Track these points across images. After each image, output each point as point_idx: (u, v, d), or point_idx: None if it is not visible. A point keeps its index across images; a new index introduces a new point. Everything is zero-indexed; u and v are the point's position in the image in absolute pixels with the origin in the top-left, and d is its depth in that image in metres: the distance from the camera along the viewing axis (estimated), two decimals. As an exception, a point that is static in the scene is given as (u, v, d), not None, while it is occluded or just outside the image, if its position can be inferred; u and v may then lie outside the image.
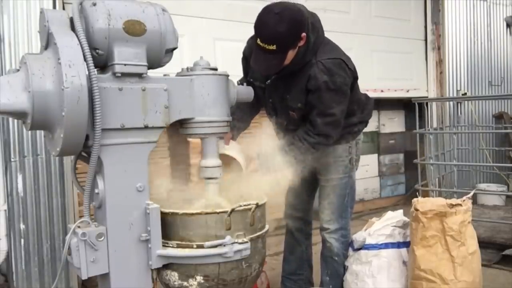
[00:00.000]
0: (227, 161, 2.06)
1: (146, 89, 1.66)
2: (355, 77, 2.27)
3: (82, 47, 1.49)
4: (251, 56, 2.12)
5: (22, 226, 2.81)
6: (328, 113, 2.14)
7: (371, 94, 5.00)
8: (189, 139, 2.01)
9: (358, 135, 2.47)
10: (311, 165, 2.24)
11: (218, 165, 1.86)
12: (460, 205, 2.13)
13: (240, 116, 2.28)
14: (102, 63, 1.64)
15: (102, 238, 1.61)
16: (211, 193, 1.88)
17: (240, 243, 1.71)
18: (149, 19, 1.65)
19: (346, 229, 2.47)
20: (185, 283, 1.74)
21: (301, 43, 2.06)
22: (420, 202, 2.18)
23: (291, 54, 2.05)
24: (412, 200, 2.26)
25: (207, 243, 1.68)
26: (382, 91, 5.02)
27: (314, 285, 2.74)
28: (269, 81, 2.25)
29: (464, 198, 2.18)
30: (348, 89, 2.20)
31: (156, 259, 1.69)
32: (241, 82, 2.32)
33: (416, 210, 2.15)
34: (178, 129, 1.87)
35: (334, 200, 2.41)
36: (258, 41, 1.99)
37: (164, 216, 1.71)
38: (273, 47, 1.97)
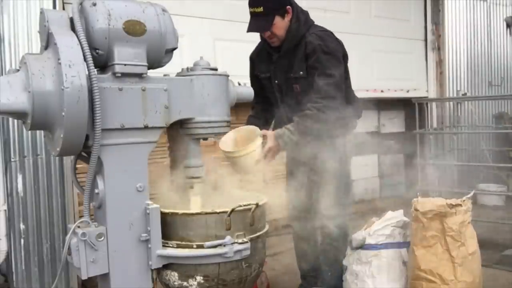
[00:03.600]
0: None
1: (146, 89, 1.66)
2: (345, 54, 2.52)
3: (82, 47, 1.50)
4: (256, 55, 2.57)
5: (22, 226, 2.81)
6: (328, 74, 2.33)
7: (371, 94, 4.99)
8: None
9: (352, 130, 2.61)
10: (310, 157, 2.39)
11: (201, 165, 1.88)
12: (460, 205, 2.13)
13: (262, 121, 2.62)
14: (102, 63, 1.64)
15: (102, 238, 1.61)
16: (195, 192, 1.88)
17: (240, 243, 1.71)
18: (149, 19, 1.65)
19: (343, 216, 2.54)
20: (185, 283, 1.74)
21: (288, 16, 2.40)
22: (420, 202, 2.18)
23: (280, 23, 2.37)
24: (412, 200, 2.26)
25: (207, 243, 1.68)
26: (382, 91, 5.02)
27: None
28: (273, 64, 2.50)
29: (464, 198, 2.18)
30: (341, 57, 2.44)
31: (156, 259, 1.69)
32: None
33: (416, 210, 2.15)
34: (178, 129, 1.87)
35: (332, 190, 2.47)
36: (249, 9, 2.35)
37: (164, 216, 1.71)
38: (260, 9, 2.32)
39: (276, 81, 2.53)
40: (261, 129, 2.43)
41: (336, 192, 2.45)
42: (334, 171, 2.45)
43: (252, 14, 2.36)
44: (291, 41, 2.42)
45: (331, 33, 2.48)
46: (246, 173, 2.23)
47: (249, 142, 2.18)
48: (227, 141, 2.24)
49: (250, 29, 2.40)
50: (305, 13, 2.51)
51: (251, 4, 2.36)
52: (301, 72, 2.41)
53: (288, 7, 2.40)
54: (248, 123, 2.59)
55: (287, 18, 2.40)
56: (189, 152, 1.88)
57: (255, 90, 2.41)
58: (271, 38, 2.44)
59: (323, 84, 2.30)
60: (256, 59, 2.65)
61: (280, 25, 2.38)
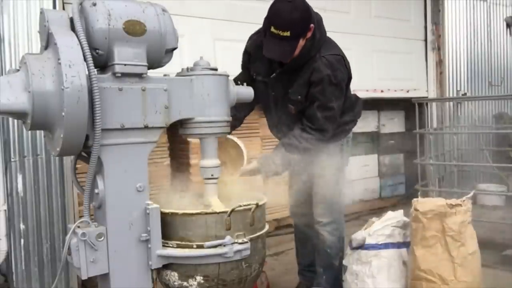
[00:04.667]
0: (232, 144, 2.19)
1: (146, 89, 1.66)
2: (350, 76, 2.38)
3: (82, 47, 1.49)
4: (255, 51, 2.30)
5: (22, 226, 2.81)
6: (328, 107, 2.23)
7: (371, 94, 4.99)
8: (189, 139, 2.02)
9: (349, 133, 2.57)
10: (306, 162, 2.31)
11: (217, 165, 1.87)
12: (460, 205, 2.13)
13: (233, 114, 2.29)
14: (102, 63, 1.64)
15: (102, 238, 1.61)
16: (210, 193, 1.88)
17: (240, 243, 1.71)
18: (149, 19, 1.65)
19: (338, 222, 2.55)
20: (185, 283, 1.74)
21: (309, 34, 2.17)
22: (420, 203, 2.18)
23: (300, 44, 2.14)
24: (412, 200, 2.26)
25: (207, 243, 1.69)
26: (382, 91, 5.02)
27: None
28: (274, 74, 2.33)
29: (464, 198, 2.18)
30: (344, 87, 2.30)
31: (156, 259, 1.69)
32: (237, 79, 2.36)
33: (416, 210, 2.15)
34: (178, 129, 1.87)
35: (327, 195, 2.47)
36: (272, 28, 2.07)
37: (164, 216, 1.72)
38: (287, 33, 2.06)
39: (273, 93, 2.38)
40: (237, 125, 2.41)
41: (332, 198, 2.46)
42: (332, 179, 2.44)
43: (275, 36, 2.08)
44: (299, 61, 2.22)
45: (342, 58, 2.29)
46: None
47: (236, 158, 2.18)
48: None
49: (273, 54, 2.16)
50: (321, 27, 2.30)
51: (277, 27, 2.06)
52: (299, 97, 2.27)
53: (312, 25, 2.16)
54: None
55: (308, 36, 2.17)
56: (205, 152, 1.87)
57: (241, 81, 2.28)
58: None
59: (320, 116, 2.22)
60: (253, 54, 2.40)
61: (300, 46, 2.16)
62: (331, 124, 2.28)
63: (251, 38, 2.45)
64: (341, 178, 2.52)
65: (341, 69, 2.25)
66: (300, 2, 2.12)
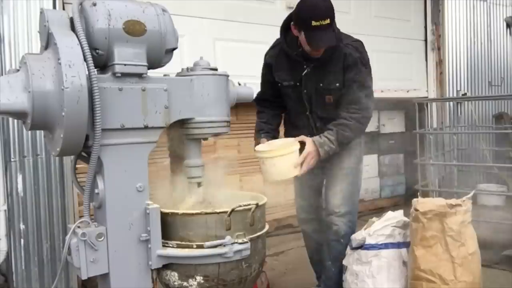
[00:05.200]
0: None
1: (146, 89, 1.66)
2: None
3: (82, 47, 1.50)
4: (276, 60, 2.49)
5: (22, 226, 2.81)
6: (366, 86, 2.42)
7: (371, 94, 4.90)
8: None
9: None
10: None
11: (201, 164, 1.87)
12: (460, 205, 2.13)
13: (267, 128, 2.57)
14: (102, 63, 1.64)
15: (102, 238, 1.61)
16: (194, 192, 1.88)
17: (240, 243, 1.71)
18: (149, 19, 1.65)
19: (353, 214, 2.57)
20: (185, 283, 1.74)
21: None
22: (420, 203, 2.18)
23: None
24: (412, 201, 2.26)
25: (207, 243, 1.69)
26: (382, 91, 5.02)
27: None
28: (306, 71, 2.43)
29: (464, 198, 2.18)
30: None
31: (156, 259, 1.69)
32: (264, 95, 2.62)
33: (416, 210, 2.15)
34: (178, 129, 1.87)
35: (345, 187, 2.53)
36: (313, 22, 2.19)
37: (164, 216, 1.71)
38: (328, 20, 2.21)
39: (306, 91, 2.47)
40: (272, 135, 2.50)
41: (350, 190, 2.53)
42: (351, 171, 2.54)
43: (318, 27, 2.20)
44: (328, 51, 2.36)
45: (362, 43, 2.49)
46: (280, 178, 2.23)
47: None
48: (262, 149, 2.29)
49: (324, 44, 2.28)
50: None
51: (318, 17, 2.19)
52: (337, 84, 2.40)
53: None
54: (259, 128, 2.57)
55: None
56: (189, 152, 1.88)
57: (267, 94, 2.58)
58: (319, 50, 2.34)
59: (362, 95, 2.38)
60: (275, 64, 2.53)
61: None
62: (371, 102, 2.44)
63: (267, 54, 2.60)
64: (359, 171, 2.62)
65: (365, 51, 2.46)
66: None
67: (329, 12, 2.22)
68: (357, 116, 2.37)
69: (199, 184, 1.89)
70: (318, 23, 2.19)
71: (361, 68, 2.39)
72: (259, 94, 2.63)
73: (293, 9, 2.36)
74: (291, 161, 2.20)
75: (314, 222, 2.74)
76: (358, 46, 2.42)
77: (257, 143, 2.45)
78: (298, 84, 2.47)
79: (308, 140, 2.30)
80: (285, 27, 2.46)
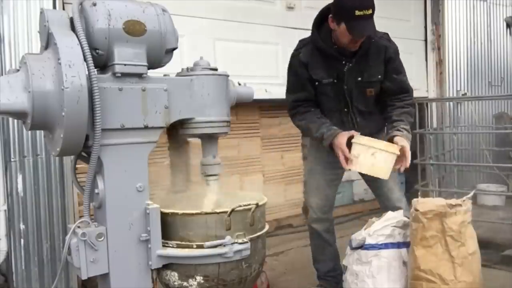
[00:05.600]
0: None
1: (146, 89, 1.66)
2: None
3: (82, 47, 1.50)
4: (311, 59, 2.44)
5: (22, 226, 2.81)
6: (405, 73, 2.55)
7: (371, 94, 4.88)
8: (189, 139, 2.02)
9: None
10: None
11: (218, 162, 1.88)
12: (460, 205, 2.13)
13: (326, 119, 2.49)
14: (102, 63, 1.64)
15: (102, 238, 1.61)
16: (211, 191, 1.88)
17: (240, 243, 1.71)
18: (149, 19, 1.66)
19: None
20: (185, 283, 1.74)
21: None
22: (420, 203, 2.18)
23: None
24: (412, 201, 2.26)
25: (207, 243, 1.69)
26: (382, 91, 5.02)
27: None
28: (346, 66, 2.44)
29: (464, 198, 2.18)
30: None
31: (156, 259, 1.69)
32: (300, 97, 2.52)
33: (416, 210, 2.15)
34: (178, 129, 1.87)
35: (397, 181, 2.69)
36: (357, 12, 2.22)
37: (164, 216, 1.72)
38: (370, 11, 2.26)
39: (346, 86, 2.47)
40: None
41: (398, 182, 2.67)
42: None
43: (362, 17, 2.24)
44: (365, 45, 2.40)
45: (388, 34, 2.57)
46: (385, 175, 2.27)
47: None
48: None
49: (367, 32, 2.32)
50: None
51: (362, 6, 2.24)
52: (379, 76, 2.46)
53: None
54: (321, 122, 2.44)
55: None
56: (205, 150, 1.89)
57: (307, 94, 2.51)
58: (357, 42, 2.36)
59: (408, 83, 2.53)
60: (311, 62, 2.47)
61: None
62: None
63: (299, 53, 2.52)
64: None
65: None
66: None
67: (372, 2, 2.27)
68: (411, 102, 2.52)
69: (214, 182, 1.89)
70: (361, 13, 2.23)
71: (399, 58, 2.51)
72: (296, 96, 2.53)
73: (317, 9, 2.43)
74: (393, 161, 2.26)
75: (327, 222, 2.74)
76: (390, 38, 2.52)
77: (325, 137, 2.37)
78: (336, 80, 2.46)
79: (398, 138, 2.31)
80: (318, 24, 2.47)
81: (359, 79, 2.45)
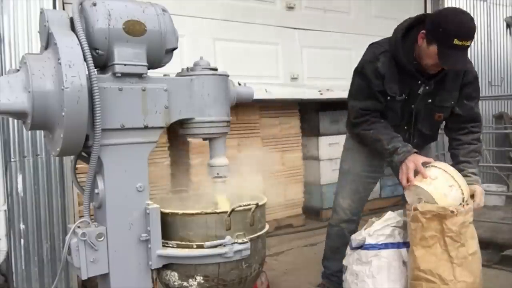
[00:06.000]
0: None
1: (146, 89, 1.66)
2: None
3: (82, 47, 1.50)
4: (389, 71, 2.27)
5: (22, 226, 2.81)
6: (478, 100, 2.42)
7: (371, 94, 4.88)
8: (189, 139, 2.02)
9: None
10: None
11: (226, 164, 1.87)
12: (461, 208, 2.12)
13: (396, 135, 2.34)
14: (102, 63, 1.64)
15: (102, 238, 1.61)
16: (218, 192, 1.88)
17: (240, 243, 1.71)
18: (149, 19, 1.65)
19: None
20: (185, 283, 1.74)
21: None
22: (420, 204, 2.17)
23: None
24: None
25: (207, 243, 1.69)
26: (382, 91, 5.02)
27: None
28: (422, 88, 2.31)
29: (464, 202, 2.16)
30: None
31: (156, 259, 1.69)
32: (370, 107, 2.35)
33: (415, 210, 2.15)
34: (178, 129, 1.88)
35: None
36: (456, 41, 2.07)
37: (164, 216, 1.72)
38: (470, 42, 2.12)
39: (413, 106, 2.36)
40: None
41: None
42: None
43: (459, 47, 2.08)
44: (444, 69, 2.27)
45: None
46: (440, 203, 2.13)
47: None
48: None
49: (459, 66, 2.21)
50: None
51: (464, 37, 2.08)
52: (452, 102, 2.35)
53: None
54: (391, 136, 2.30)
55: None
56: (213, 151, 1.88)
57: (377, 105, 2.35)
58: (441, 68, 2.23)
59: (479, 112, 2.40)
60: (388, 75, 2.30)
61: None
62: None
63: (376, 60, 2.33)
64: None
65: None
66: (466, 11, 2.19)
67: (473, 34, 2.13)
68: (478, 136, 2.39)
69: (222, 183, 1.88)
70: (460, 43, 2.07)
71: (477, 84, 2.37)
72: (364, 104, 2.37)
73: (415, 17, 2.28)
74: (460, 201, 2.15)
75: (354, 224, 2.72)
76: (470, 61, 2.34)
77: (399, 152, 2.22)
78: (406, 97, 2.33)
79: (474, 187, 2.23)
80: (403, 33, 2.27)
81: (430, 101, 2.34)
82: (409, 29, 2.27)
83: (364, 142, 2.46)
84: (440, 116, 2.40)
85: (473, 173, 2.30)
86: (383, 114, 2.39)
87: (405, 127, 2.44)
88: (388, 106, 2.36)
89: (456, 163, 2.37)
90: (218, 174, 1.86)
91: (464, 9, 5.76)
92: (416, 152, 2.22)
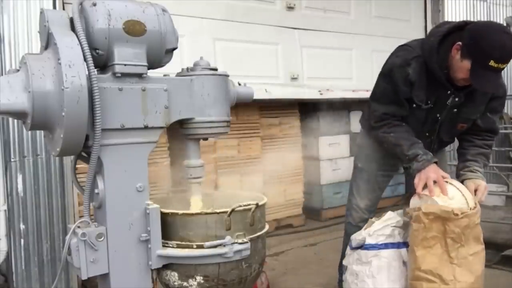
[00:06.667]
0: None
1: (146, 89, 1.66)
2: None
3: (82, 47, 1.49)
4: (419, 78, 2.18)
5: (22, 226, 2.81)
6: (501, 113, 2.44)
7: (371, 94, 4.89)
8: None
9: None
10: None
11: (201, 164, 1.87)
12: (466, 212, 2.10)
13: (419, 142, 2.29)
14: (102, 63, 1.64)
15: (102, 238, 1.61)
16: (194, 193, 1.89)
17: (240, 243, 1.71)
18: (149, 19, 1.65)
19: None
20: (185, 283, 1.74)
21: None
22: (425, 204, 2.16)
23: None
24: (411, 202, 2.26)
25: (207, 243, 1.68)
26: (382, 91, 5.02)
27: None
28: (450, 99, 2.25)
29: (471, 206, 2.14)
30: None
31: (156, 259, 1.69)
32: (395, 112, 2.30)
33: (419, 210, 2.14)
34: (178, 129, 1.88)
35: None
36: (492, 62, 1.97)
37: (164, 216, 1.72)
38: (505, 65, 2.01)
39: (439, 115, 2.30)
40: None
41: None
42: None
43: (493, 69, 1.99)
44: None
45: None
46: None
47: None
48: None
49: (490, 89, 2.14)
50: None
51: (501, 60, 1.97)
52: (478, 115, 2.32)
53: None
54: (413, 141, 2.26)
55: None
56: (189, 152, 1.88)
57: (403, 111, 2.29)
58: (468, 81, 2.13)
59: (497, 125, 2.41)
60: (417, 82, 2.21)
61: None
62: None
63: (407, 65, 2.21)
64: None
65: None
66: (509, 30, 2.06)
67: (511, 57, 2.02)
68: (491, 144, 2.39)
69: (198, 185, 1.89)
70: (496, 65, 1.97)
71: (504, 99, 2.36)
72: (387, 109, 2.32)
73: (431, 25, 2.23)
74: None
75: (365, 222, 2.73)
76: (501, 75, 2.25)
77: (419, 159, 2.19)
78: (432, 105, 2.26)
79: (475, 182, 2.22)
80: (440, 40, 2.15)
81: (456, 110, 2.28)
82: (446, 35, 2.15)
83: (382, 145, 2.41)
84: (462, 126, 2.37)
85: (479, 171, 2.29)
86: (405, 119, 2.34)
87: (427, 134, 2.39)
88: (412, 112, 2.30)
89: (463, 161, 2.35)
90: (191, 175, 1.86)
91: (464, 9, 5.78)
92: (435, 162, 2.19)
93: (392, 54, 2.36)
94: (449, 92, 2.22)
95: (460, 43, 2.07)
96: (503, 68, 2.00)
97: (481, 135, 2.38)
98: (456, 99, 2.24)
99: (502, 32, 2.02)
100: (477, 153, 2.33)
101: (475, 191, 2.20)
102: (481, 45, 1.99)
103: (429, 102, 2.25)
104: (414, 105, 2.26)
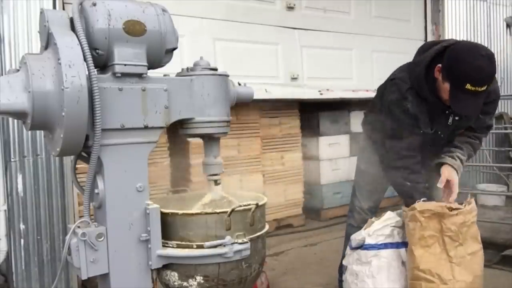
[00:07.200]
0: None
1: (146, 89, 1.66)
2: None
3: (82, 47, 1.50)
4: (418, 110, 2.20)
5: (22, 226, 2.81)
6: (493, 115, 2.47)
7: (371, 94, 4.97)
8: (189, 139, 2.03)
9: None
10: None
11: (220, 162, 1.88)
12: (461, 208, 2.12)
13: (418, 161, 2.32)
14: (102, 63, 1.64)
15: (102, 238, 1.61)
16: (214, 190, 1.89)
17: (240, 243, 1.71)
18: (149, 19, 1.65)
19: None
20: (185, 283, 1.74)
21: None
22: (419, 203, 2.17)
23: None
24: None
25: (207, 243, 1.69)
26: (382, 91, 5.02)
27: None
28: (450, 119, 2.30)
29: (465, 202, 2.16)
30: None
31: (156, 259, 1.69)
32: (410, 146, 2.28)
33: (414, 209, 2.15)
34: (178, 129, 1.88)
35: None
36: (468, 86, 1.98)
37: (164, 216, 1.72)
38: (485, 87, 2.00)
39: (440, 132, 2.35)
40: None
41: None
42: None
43: (470, 92, 1.99)
44: None
45: None
46: None
47: None
48: None
49: (466, 112, 2.15)
50: None
51: (477, 83, 1.97)
52: (474, 120, 2.35)
53: None
54: (421, 193, 2.27)
55: None
56: (208, 150, 1.89)
57: (417, 138, 2.28)
58: None
59: (491, 123, 2.46)
60: (419, 114, 2.24)
61: None
62: None
63: (405, 99, 2.23)
64: None
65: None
66: (490, 51, 2.05)
67: (490, 79, 2.03)
68: (481, 136, 2.42)
69: (216, 182, 1.89)
70: (473, 89, 1.97)
71: (497, 102, 2.39)
72: (408, 143, 2.29)
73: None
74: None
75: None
76: (496, 79, 2.27)
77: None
78: (435, 130, 2.32)
79: (449, 169, 2.24)
80: (427, 65, 2.17)
81: (456, 124, 2.33)
82: (431, 62, 2.17)
83: (394, 184, 2.42)
84: (461, 131, 2.42)
85: (460, 158, 2.30)
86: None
87: (429, 146, 2.41)
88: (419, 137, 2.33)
89: (448, 146, 2.38)
90: (213, 172, 1.87)
91: (464, 9, 5.78)
92: None
93: (385, 91, 2.39)
94: (447, 112, 2.27)
95: (440, 65, 2.10)
96: (482, 91, 1.99)
97: (473, 130, 2.42)
98: (456, 117, 2.29)
99: (479, 55, 2.01)
100: (464, 141, 2.38)
101: (448, 182, 2.24)
102: (457, 69, 2.02)
103: (434, 128, 2.31)
104: (422, 132, 2.29)
